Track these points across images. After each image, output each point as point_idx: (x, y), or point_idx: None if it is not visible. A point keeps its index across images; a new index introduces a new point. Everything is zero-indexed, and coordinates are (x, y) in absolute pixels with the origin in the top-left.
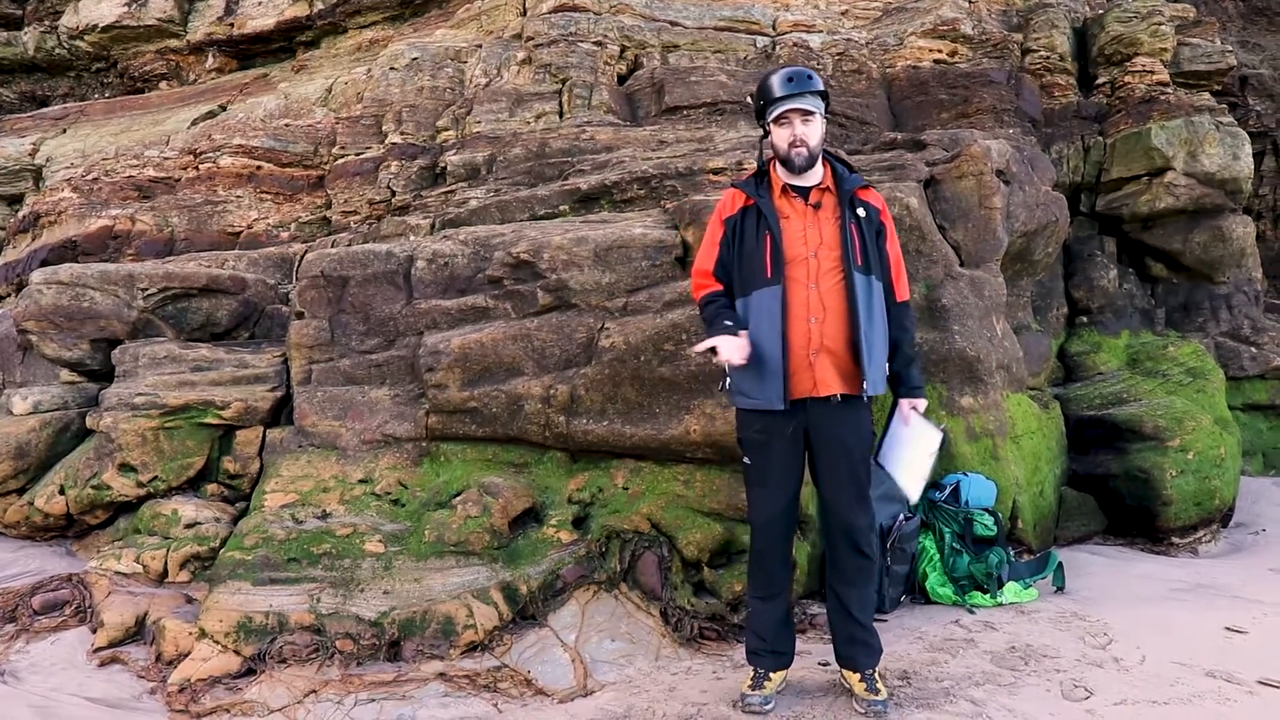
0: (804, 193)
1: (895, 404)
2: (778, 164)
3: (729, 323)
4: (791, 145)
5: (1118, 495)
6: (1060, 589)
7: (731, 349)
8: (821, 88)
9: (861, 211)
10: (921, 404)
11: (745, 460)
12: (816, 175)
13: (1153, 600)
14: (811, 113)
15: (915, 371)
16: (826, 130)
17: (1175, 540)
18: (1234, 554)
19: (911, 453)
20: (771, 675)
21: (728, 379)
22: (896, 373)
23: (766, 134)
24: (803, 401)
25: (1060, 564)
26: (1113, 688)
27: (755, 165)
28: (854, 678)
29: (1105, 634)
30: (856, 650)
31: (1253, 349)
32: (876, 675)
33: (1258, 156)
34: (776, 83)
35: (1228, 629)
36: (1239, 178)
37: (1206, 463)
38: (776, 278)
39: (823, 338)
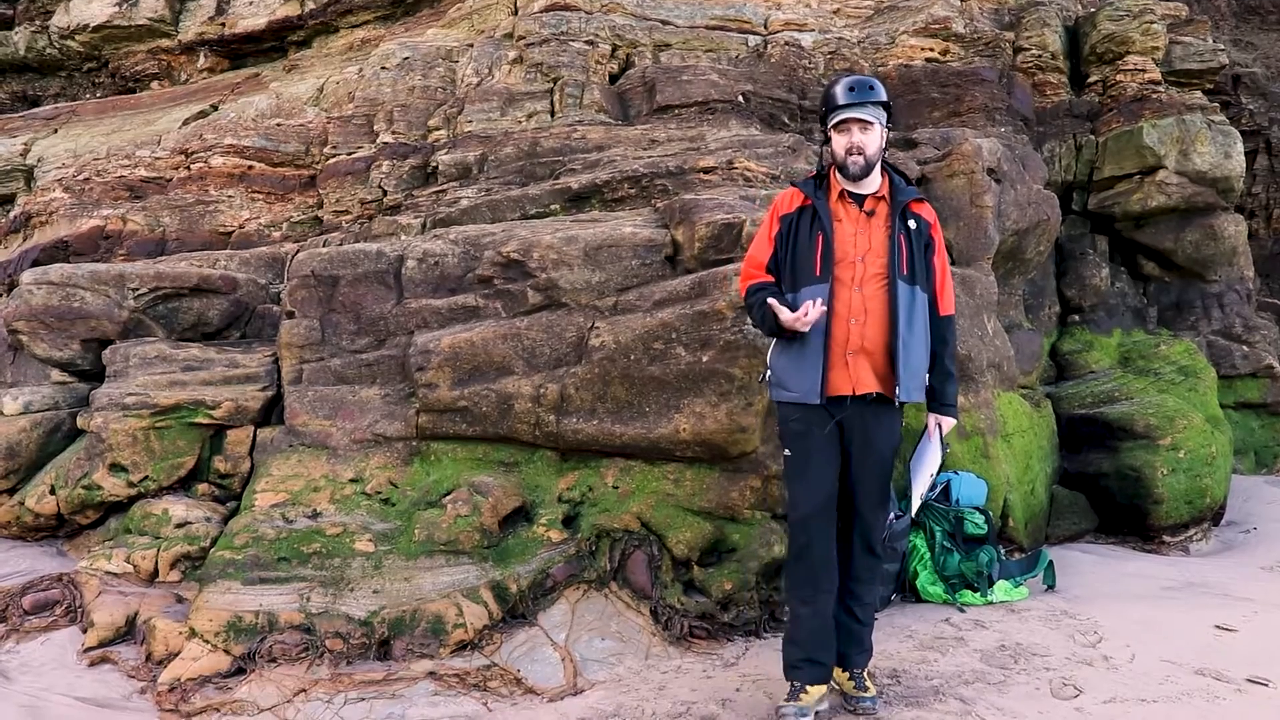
0: (859, 200)
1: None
2: (836, 170)
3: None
4: (848, 153)
5: (1109, 493)
6: (1051, 587)
7: (794, 318)
8: (883, 98)
9: (912, 224)
10: (949, 423)
11: (786, 452)
12: (874, 184)
13: (1143, 598)
14: (870, 123)
15: (952, 389)
16: (886, 140)
17: (1166, 538)
18: (1225, 552)
19: (928, 467)
20: (809, 688)
21: (769, 371)
22: (932, 386)
23: (827, 140)
24: (839, 400)
25: (1051, 562)
26: (1102, 686)
27: (753, 165)
28: (843, 676)
29: (1095, 632)
30: (851, 649)
31: (1244, 347)
32: (865, 674)
33: (1250, 155)
34: (839, 91)
35: (1218, 627)
36: (1231, 176)
37: (1198, 461)
38: (825, 277)
39: (862, 339)
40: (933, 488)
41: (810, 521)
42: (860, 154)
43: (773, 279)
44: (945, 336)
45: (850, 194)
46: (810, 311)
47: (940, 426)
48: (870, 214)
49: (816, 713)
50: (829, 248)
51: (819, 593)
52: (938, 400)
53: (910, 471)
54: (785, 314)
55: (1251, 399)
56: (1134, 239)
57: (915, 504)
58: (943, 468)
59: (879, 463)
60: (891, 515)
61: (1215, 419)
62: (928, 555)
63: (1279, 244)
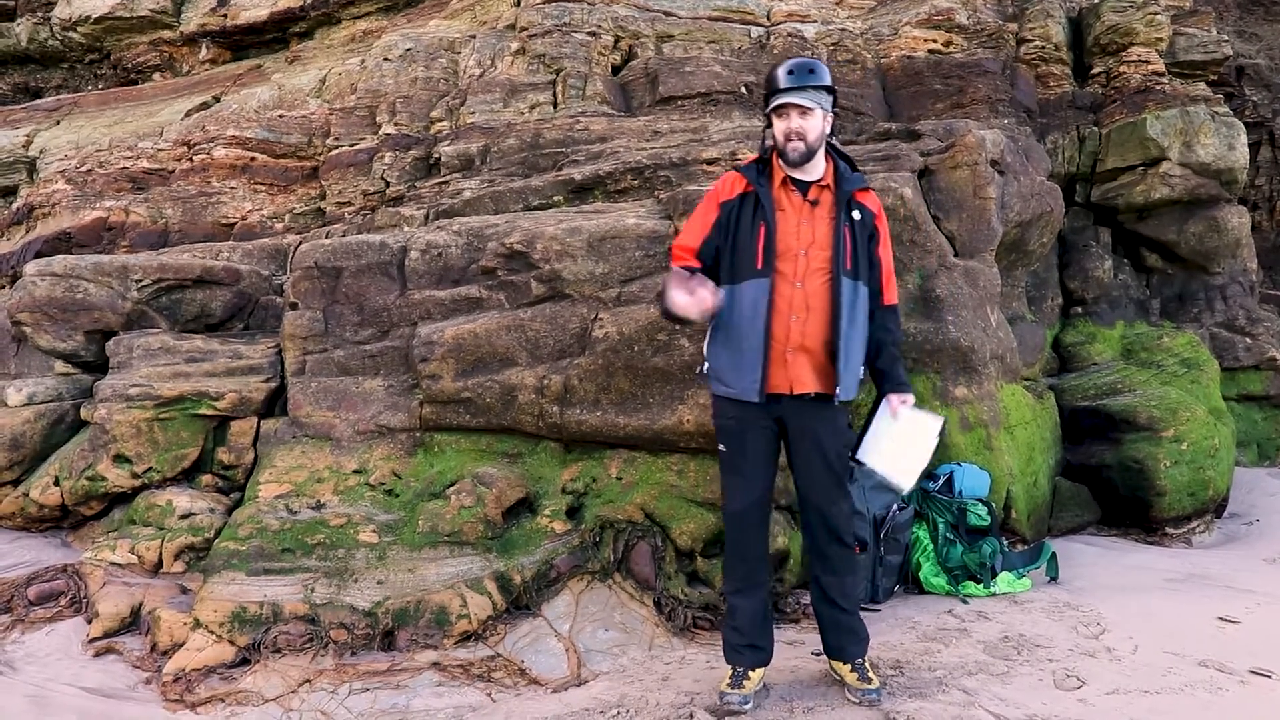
0: (804, 187)
1: (878, 400)
2: (778, 155)
3: (687, 271)
4: (788, 138)
5: (1112, 486)
6: (1054, 579)
7: (688, 301)
8: (826, 83)
9: (857, 214)
10: (910, 399)
11: (721, 447)
12: (818, 170)
13: (1146, 590)
14: (810, 108)
15: (901, 369)
16: (830, 125)
17: (1169, 530)
18: (1228, 544)
19: (902, 445)
20: (751, 673)
21: (705, 364)
22: (882, 370)
23: (769, 124)
24: (778, 396)
25: (1054, 554)
26: (1105, 677)
27: (752, 154)
28: (844, 668)
29: (1098, 624)
30: (845, 640)
31: (1247, 340)
32: (867, 664)
33: (1253, 147)
34: (780, 74)
35: (1220, 619)
36: (1234, 168)
37: (1200, 453)
38: (767, 270)
39: (802, 336)
40: (935, 479)
41: (743, 517)
42: (801, 139)
43: (700, 265)
44: (889, 326)
45: (794, 180)
46: (709, 300)
47: (906, 402)
48: (814, 203)
49: (757, 691)
50: (771, 239)
51: (752, 585)
52: (890, 381)
53: (864, 459)
54: (678, 299)
55: (1254, 391)
56: (1137, 231)
57: (900, 480)
58: (946, 459)
59: (824, 455)
60: (894, 506)
61: (1218, 411)
62: (930, 547)
63: None
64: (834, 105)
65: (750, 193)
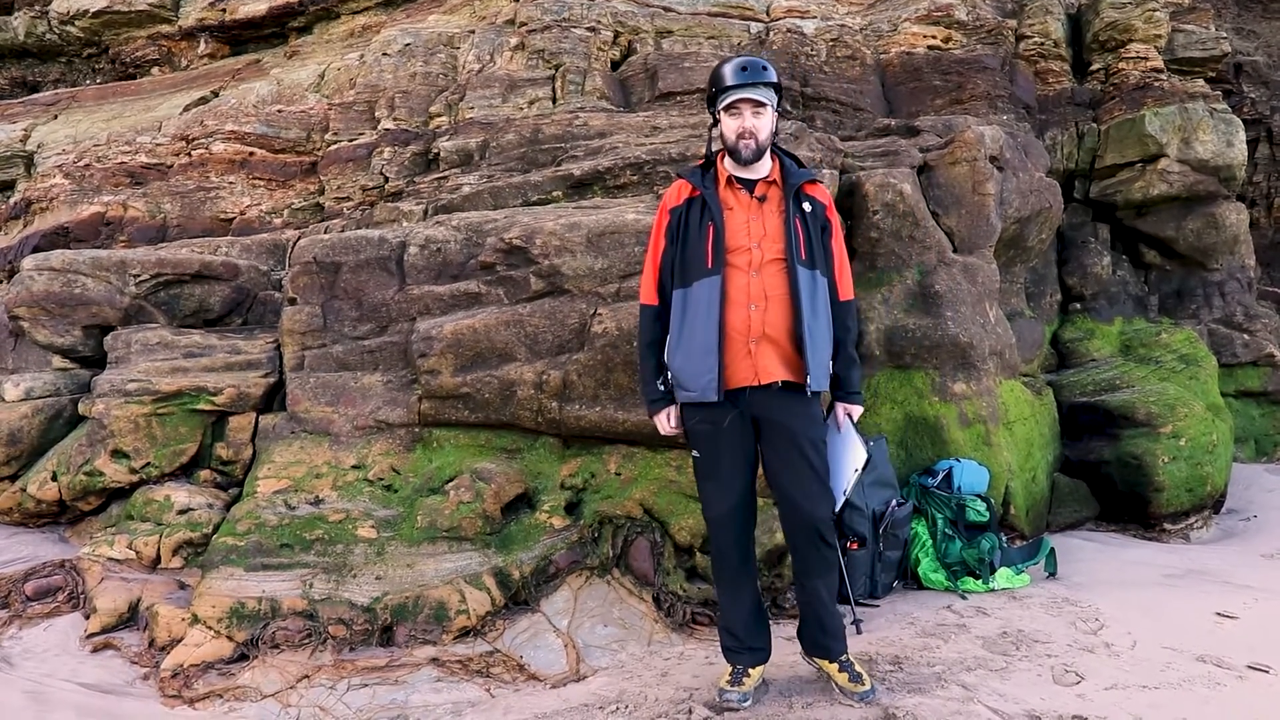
0: (750, 185)
1: (831, 407)
2: (725, 155)
3: (662, 387)
4: (740, 136)
5: (1110, 481)
6: (1052, 574)
7: (664, 423)
8: (775, 80)
9: (807, 206)
10: (856, 411)
11: (695, 454)
12: (764, 168)
13: (1144, 586)
14: (763, 104)
15: (855, 375)
16: (778, 123)
17: (1167, 526)
18: (1226, 540)
19: (840, 462)
20: (750, 671)
21: (669, 373)
22: (836, 374)
23: (716, 123)
24: (743, 391)
25: (1052, 550)
26: (1104, 672)
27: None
28: (833, 668)
29: (1097, 619)
30: (829, 639)
31: (1245, 336)
32: (855, 662)
33: (1251, 144)
34: (729, 71)
35: (1218, 614)
36: (1233, 165)
37: (1198, 449)
38: (717, 268)
39: (764, 325)
40: (934, 474)
41: (723, 523)
42: (753, 138)
43: (658, 302)
44: (847, 323)
45: (740, 180)
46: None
47: (850, 416)
48: (762, 199)
49: (756, 688)
50: (720, 237)
51: (740, 589)
52: (843, 389)
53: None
54: (665, 428)
55: (1252, 387)
56: (1135, 227)
57: (839, 500)
58: (945, 455)
59: (801, 449)
60: (893, 502)
61: (1216, 407)
62: (929, 542)
63: None
64: (779, 104)
65: (697, 197)
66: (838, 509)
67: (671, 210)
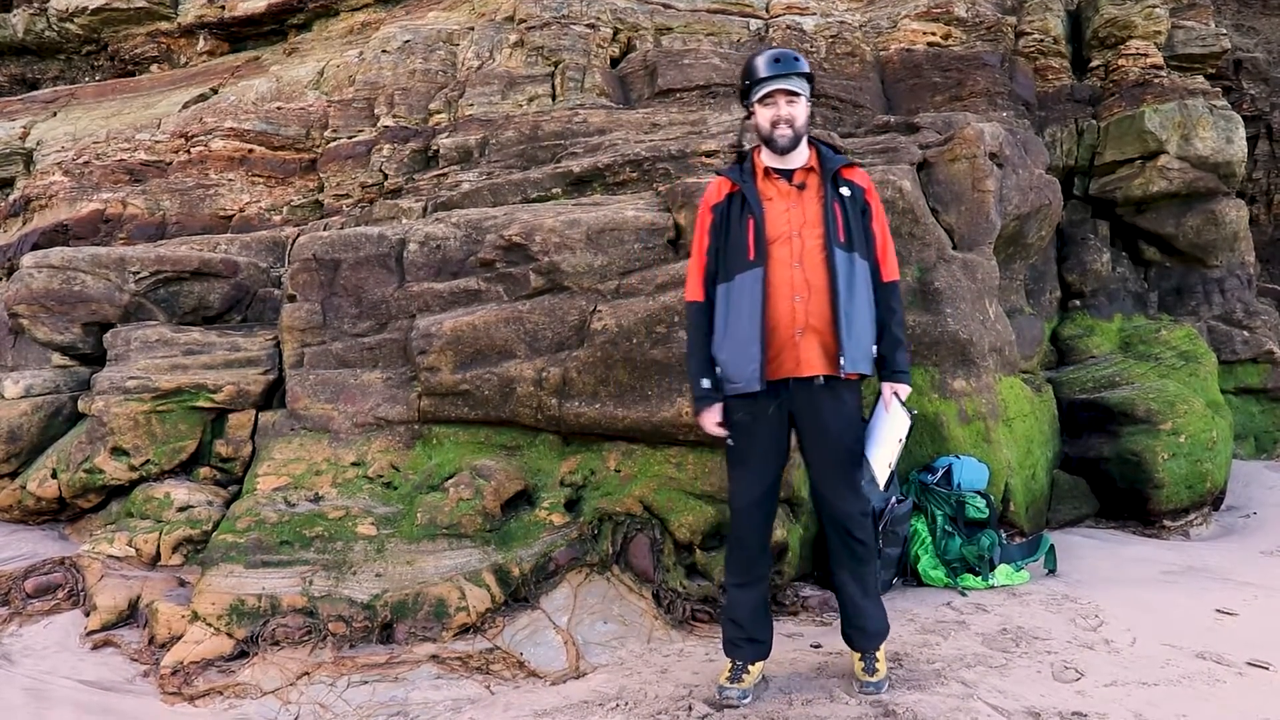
0: (788, 175)
1: (878, 393)
2: (761, 147)
3: (707, 384)
4: (775, 125)
5: (1109, 478)
6: (1052, 571)
7: (710, 423)
8: (807, 70)
9: (846, 190)
10: (904, 390)
11: (729, 441)
12: (801, 157)
13: (1144, 583)
14: (797, 94)
15: (901, 356)
16: (814, 113)
17: (1167, 523)
18: (1225, 537)
19: (884, 438)
20: (750, 667)
21: (718, 367)
22: (882, 355)
23: (750, 115)
24: (786, 382)
25: (1052, 546)
26: (1103, 669)
27: (742, 148)
28: (854, 657)
29: (1096, 616)
30: (853, 630)
31: (1245, 333)
32: (876, 656)
33: (1251, 140)
34: (762, 63)
35: (1218, 611)
36: (1232, 161)
37: (1198, 446)
38: (760, 259)
39: (808, 316)
40: (933, 471)
41: (747, 512)
42: (789, 125)
43: (704, 297)
44: (891, 305)
45: (777, 170)
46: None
47: (897, 394)
48: (801, 186)
49: (755, 685)
50: (760, 229)
51: (752, 579)
52: (888, 368)
53: (866, 442)
54: (710, 427)
55: (1252, 384)
56: (1135, 224)
57: (882, 477)
58: (944, 451)
59: (833, 448)
60: (892, 499)
61: (1216, 404)
62: (929, 539)
63: None
64: (812, 94)
65: (736, 192)
66: (885, 480)
67: (713, 207)
